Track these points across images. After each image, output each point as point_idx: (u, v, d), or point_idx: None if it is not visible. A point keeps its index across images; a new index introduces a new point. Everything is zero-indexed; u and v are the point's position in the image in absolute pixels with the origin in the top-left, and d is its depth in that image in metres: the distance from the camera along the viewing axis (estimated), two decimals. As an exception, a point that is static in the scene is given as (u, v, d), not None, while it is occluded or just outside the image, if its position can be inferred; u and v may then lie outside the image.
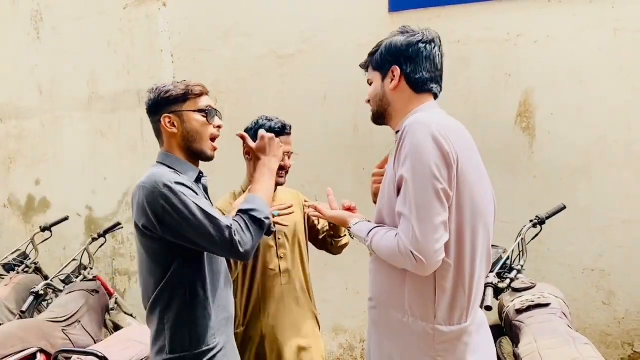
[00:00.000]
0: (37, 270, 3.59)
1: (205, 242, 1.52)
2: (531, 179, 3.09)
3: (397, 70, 1.53)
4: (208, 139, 1.67)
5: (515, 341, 2.27)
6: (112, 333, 3.15)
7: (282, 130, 2.06)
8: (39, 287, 3.00)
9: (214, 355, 1.62)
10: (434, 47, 1.54)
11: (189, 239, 1.52)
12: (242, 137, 1.75)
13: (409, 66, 1.52)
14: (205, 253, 1.62)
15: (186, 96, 1.63)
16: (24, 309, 2.88)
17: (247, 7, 3.56)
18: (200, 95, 1.66)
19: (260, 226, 1.58)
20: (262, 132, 1.73)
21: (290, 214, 1.90)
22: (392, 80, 1.54)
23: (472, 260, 1.43)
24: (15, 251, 3.62)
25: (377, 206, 1.55)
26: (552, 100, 3.02)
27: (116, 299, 3.37)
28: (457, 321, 1.44)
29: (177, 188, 1.51)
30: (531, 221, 2.73)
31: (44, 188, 4.31)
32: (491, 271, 2.51)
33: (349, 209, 1.77)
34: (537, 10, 2.99)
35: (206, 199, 1.69)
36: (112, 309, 3.28)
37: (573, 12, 2.94)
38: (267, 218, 1.60)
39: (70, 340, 2.65)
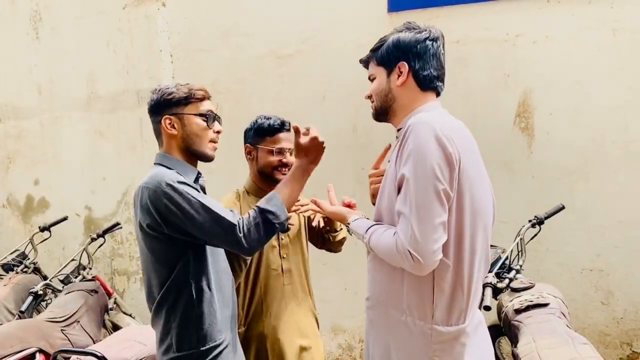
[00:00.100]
0: (36, 270, 3.59)
1: (211, 238, 1.56)
2: (530, 179, 3.09)
3: (404, 66, 1.51)
4: (207, 142, 1.69)
5: (514, 341, 2.27)
6: (111, 333, 3.15)
7: (281, 127, 2.07)
8: (38, 287, 3.00)
9: (221, 352, 1.65)
10: (440, 45, 1.53)
11: (194, 235, 1.55)
12: (296, 130, 1.65)
13: (417, 63, 1.51)
14: (208, 251, 1.65)
15: (188, 99, 1.66)
16: (22, 309, 2.88)
17: (247, 7, 3.56)
18: (202, 99, 1.68)
19: (271, 230, 1.59)
20: (315, 131, 1.64)
21: (306, 211, 1.90)
22: (399, 76, 1.52)
23: (470, 261, 1.43)
24: (14, 251, 3.62)
25: (377, 204, 1.55)
26: (550, 101, 3.03)
27: (115, 299, 3.37)
28: (455, 322, 1.44)
29: (180, 187, 1.54)
30: (530, 221, 2.73)
31: (43, 188, 4.30)
32: (490, 271, 2.52)
33: (349, 206, 1.78)
34: (536, 11, 3.00)
35: None
36: (111, 309, 3.28)
37: (572, 12, 2.95)
38: (281, 224, 1.60)
39: (69, 340, 2.65)
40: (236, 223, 1.54)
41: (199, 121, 1.66)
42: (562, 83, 3.00)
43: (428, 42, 1.51)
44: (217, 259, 1.69)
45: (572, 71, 2.97)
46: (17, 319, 2.92)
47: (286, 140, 2.06)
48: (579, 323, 3.05)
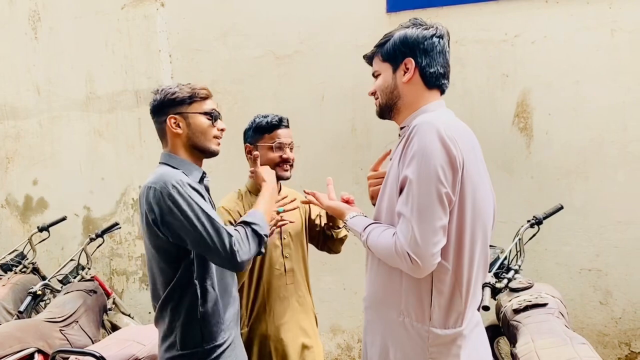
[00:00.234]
0: (35, 270, 3.59)
1: (204, 248, 1.56)
2: (528, 179, 3.10)
3: (411, 63, 1.49)
4: (212, 138, 1.73)
5: (513, 341, 2.27)
6: (110, 333, 3.15)
7: (279, 123, 2.08)
8: (37, 287, 3.00)
9: (224, 350, 1.67)
10: (445, 43, 1.51)
11: (188, 242, 1.56)
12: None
13: (424, 59, 1.48)
14: None
15: (192, 98, 1.69)
16: (21, 309, 2.87)
17: (245, 7, 3.56)
18: (205, 98, 1.72)
19: (260, 241, 1.65)
20: (256, 156, 1.97)
21: (294, 208, 1.94)
22: (406, 72, 1.50)
23: (470, 264, 1.42)
24: (13, 251, 3.62)
25: (377, 203, 1.54)
26: (549, 101, 3.03)
27: (114, 299, 3.37)
28: (452, 325, 1.44)
29: (186, 191, 1.55)
30: (528, 221, 2.74)
31: (41, 188, 4.30)
32: (489, 271, 2.51)
33: (347, 202, 1.77)
34: (535, 11, 3.00)
35: (209, 199, 1.73)
36: (109, 309, 3.28)
37: (570, 12, 2.95)
38: (266, 235, 1.68)
39: (68, 341, 2.65)
40: (233, 236, 1.57)
41: (204, 119, 1.70)
42: (560, 83, 3.00)
43: (435, 39, 1.49)
44: None
45: (571, 71, 2.98)
46: (15, 319, 2.92)
47: (285, 136, 2.08)
48: (578, 323, 3.05)
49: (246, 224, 1.65)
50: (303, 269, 2.19)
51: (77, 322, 2.80)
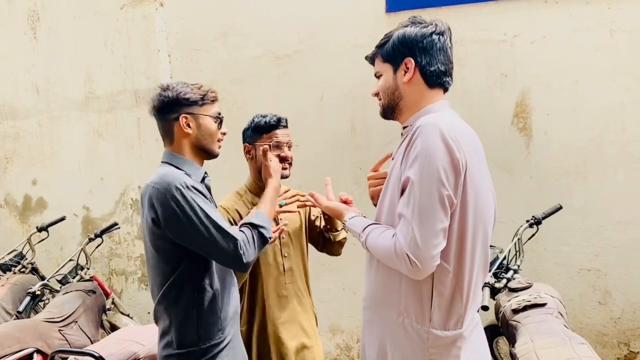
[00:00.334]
0: (34, 270, 3.58)
1: (210, 249, 1.58)
2: (527, 179, 3.10)
3: (411, 62, 1.47)
4: (216, 141, 1.76)
5: (512, 341, 2.27)
6: (109, 333, 3.15)
7: (277, 123, 2.09)
8: (36, 287, 3.00)
9: (221, 350, 1.68)
10: (447, 39, 1.49)
11: (193, 243, 1.57)
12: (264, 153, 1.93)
13: (423, 58, 1.46)
14: None
15: (203, 100, 1.70)
16: (20, 309, 2.87)
17: (244, 7, 3.55)
18: (214, 101, 1.75)
19: (263, 244, 1.69)
20: (265, 149, 1.93)
21: (295, 202, 1.97)
22: (406, 72, 1.48)
23: (471, 266, 1.42)
24: (12, 251, 3.61)
25: (378, 204, 1.53)
26: (548, 101, 3.03)
27: (113, 299, 3.37)
28: (452, 327, 1.43)
29: (189, 193, 1.56)
30: (527, 221, 2.73)
31: (40, 188, 4.29)
32: (488, 271, 2.52)
33: (346, 202, 1.76)
34: (534, 11, 3.00)
35: (210, 199, 1.74)
36: (108, 309, 3.28)
37: (569, 12, 2.95)
38: (270, 237, 1.72)
39: (67, 341, 2.65)
40: (239, 238, 1.59)
41: (212, 122, 1.72)
42: (559, 83, 3.00)
43: (434, 37, 1.47)
44: None
45: (570, 71, 2.98)
46: (14, 319, 2.92)
47: (283, 135, 2.09)
48: (577, 323, 3.05)
49: (253, 226, 1.67)
50: (302, 269, 2.19)
51: (76, 322, 2.80)
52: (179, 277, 1.61)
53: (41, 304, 3.33)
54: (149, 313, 3.87)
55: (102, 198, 4.11)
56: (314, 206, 1.84)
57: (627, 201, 2.94)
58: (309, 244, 2.27)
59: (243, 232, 1.63)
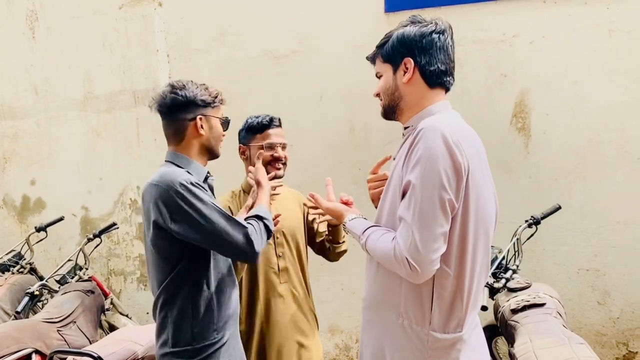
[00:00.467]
0: (32, 270, 3.58)
1: (219, 242, 1.59)
2: (527, 179, 3.10)
3: (410, 63, 1.45)
4: (220, 144, 1.79)
5: (511, 341, 2.27)
6: (108, 334, 3.14)
7: (270, 123, 2.10)
8: (34, 287, 2.99)
9: (216, 350, 1.68)
10: (447, 38, 1.48)
11: (202, 236, 1.57)
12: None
13: (423, 58, 1.44)
14: (212, 253, 1.68)
15: (215, 102, 1.73)
16: (19, 309, 2.87)
17: (243, 7, 3.55)
18: (222, 104, 1.78)
19: (268, 235, 1.71)
20: (251, 168, 1.94)
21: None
22: (405, 72, 1.46)
23: (472, 270, 1.41)
24: (10, 251, 3.61)
25: (379, 206, 1.53)
26: (547, 101, 3.03)
27: (112, 299, 3.36)
28: (452, 330, 1.42)
29: (194, 188, 1.57)
30: (526, 221, 2.74)
31: (39, 188, 4.29)
32: (486, 271, 2.51)
33: (346, 203, 1.75)
34: (533, 11, 3.00)
35: (213, 197, 1.76)
36: (107, 310, 3.27)
37: (568, 13, 2.96)
38: (272, 230, 1.74)
39: (66, 341, 2.64)
40: (248, 227, 1.61)
41: (220, 125, 1.76)
42: (558, 83, 3.00)
43: (434, 36, 1.45)
44: (219, 260, 1.72)
45: (569, 71, 2.98)
46: (13, 319, 2.91)
47: (276, 135, 2.10)
48: (576, 323, 3.05)
49: (259, 218, 1.69)
50: (299, 269, 2.18)
51: (75, 322, 2.80)
52: (178, 276, 1.62)
53: (40, 304, 3.32)
54: (147, 313, 3.86)
55: (100, 198, 4.10)
56: (315, 207, 1.82)
57: (626, 201, 2.94)
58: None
59: (251, 223, 1.66)
